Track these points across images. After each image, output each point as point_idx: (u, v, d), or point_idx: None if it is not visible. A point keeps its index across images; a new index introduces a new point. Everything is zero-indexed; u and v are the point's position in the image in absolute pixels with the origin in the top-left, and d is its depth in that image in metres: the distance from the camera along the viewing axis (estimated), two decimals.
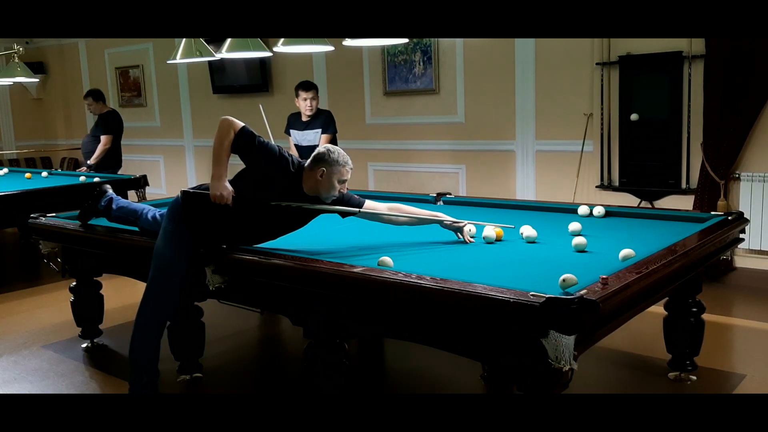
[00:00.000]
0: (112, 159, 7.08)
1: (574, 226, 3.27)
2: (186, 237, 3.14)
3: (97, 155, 6.96)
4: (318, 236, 3.49)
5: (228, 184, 3.04)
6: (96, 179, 6.19)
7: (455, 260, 2.92)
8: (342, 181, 3.06)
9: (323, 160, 3.03)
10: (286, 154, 3.10)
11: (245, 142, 3.03)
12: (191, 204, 3.16)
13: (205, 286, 3.08)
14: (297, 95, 5.31)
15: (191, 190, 3.21)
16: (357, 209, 3.18)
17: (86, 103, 7.28)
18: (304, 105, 5.28)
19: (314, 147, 5.29)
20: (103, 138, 6.98)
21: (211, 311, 3.66)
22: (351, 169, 3.09)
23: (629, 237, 3.16)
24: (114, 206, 3.63)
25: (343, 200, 3.19)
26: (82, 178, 6.26)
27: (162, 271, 3.18)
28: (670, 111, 5.19)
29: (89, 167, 7.02)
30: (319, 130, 5.30)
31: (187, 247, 3.14)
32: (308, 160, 3.09)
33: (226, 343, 4.26)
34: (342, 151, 3.09)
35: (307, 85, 5.30)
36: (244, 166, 3.16)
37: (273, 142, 3.13)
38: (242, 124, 3.05)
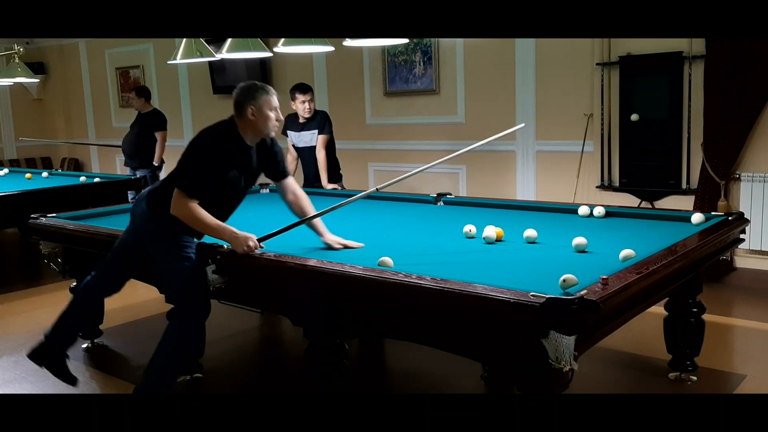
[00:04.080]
0: (150, 156, 7.05)
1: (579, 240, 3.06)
2: (182, 239, 3.08)
3: (159, 154, 6.99)
4: (317, 237, 3.49)
5: (242, 233, 2.95)
6: (96, 179, 6.20)
7: (455, 260, 2.92)
8: (274, 108, 3.01)
9: (245, 98, 2.97)
10: (215, 143, 2.98)
11: (198, 186, 2.93)
12: (159, 206, 3.07)
13: (205, 286, 3.07)
14: (293, 98, 5.29)
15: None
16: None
17: (129, 96, 7.10)
18: (302, 107, 5.27)
19: (311, 148, 5.33)
20: (159, 135, 6.96)
21: (211, 311, 3.66)
22: (275, 92, 3.04)
23: (629, 237, 3.16)
24: (83, 296, 3.48)
25: (274, 151, 3.18)
26: (82, 179, 6.26)
27: (187, 287, 3.07)
28: (670, 111, 5.19)
29: (156, 167, 7.00)
30: (316, 131, 5.30)
31: (191, 251, 3.09)
32: (233, 111, 3.02)
33: (226, 343, 4.26)
34: (256, 81, 3.06)
35: (304, 88, 5.29)
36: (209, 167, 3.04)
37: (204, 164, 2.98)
38: (181, 194, 2.93)
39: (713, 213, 3.56)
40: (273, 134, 3.10)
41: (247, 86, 3.03)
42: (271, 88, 3.05)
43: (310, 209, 3.27)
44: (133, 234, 3.24)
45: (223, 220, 3.08)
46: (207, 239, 3.19)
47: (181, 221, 2.98)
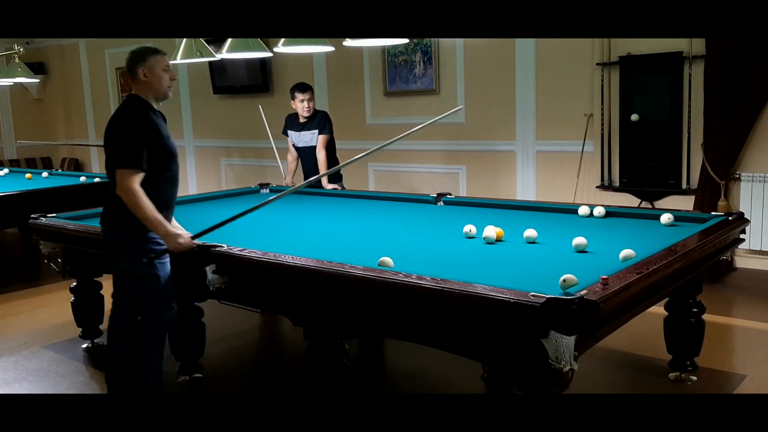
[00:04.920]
0: None
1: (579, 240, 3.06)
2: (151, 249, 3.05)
3: None
4: (317, 237, 3.50)
5: (174, 230, 2.97)
6: (96, 179, 6.20)
7: (455, 260, 2.92)
8: (166, 69, 3.06)
9: (135, 61, 3.02)
10: (130, 115, 3.01)
11: (136, 156, 2.93)
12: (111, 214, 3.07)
13: (205, 286, 3.08)
14: (293, 97, 5.30)
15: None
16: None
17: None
18: (302, 106, 5.27)
19: (311, 148, 5.33)
20: None
21: (211, 311, 3.66)
22: (164, 53, 3.09)
23: (629, 237, 3.16)
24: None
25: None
26: (82, 179, 6.26)
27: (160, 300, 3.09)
28: (671, 111, 5.19)
29: None
30: (316, 131, 5.30)
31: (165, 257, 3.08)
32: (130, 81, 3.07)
33: (226, 343, 4.26)
34: (146, 45, 3.11)
35: (303, 87, 5.29)
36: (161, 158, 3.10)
37: (139, 142, 2.98)
38: (125, 174, 2.92)
39: (713, 213, 3.56)
40: (170, 95, 3.15)
41: (136, 50, 3.08)
42: (161, 50, 3.10)
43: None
44: (116, 260, 3.18)
45: (172, 200, 3.14)
46: (206, 239, 3.20)
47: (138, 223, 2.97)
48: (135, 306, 3.14)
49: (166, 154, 3.06)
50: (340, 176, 5.49)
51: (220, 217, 3.27)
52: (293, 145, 5.47)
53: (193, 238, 3.04)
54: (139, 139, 2.97)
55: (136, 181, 2.92)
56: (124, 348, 3.16)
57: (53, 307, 5.15)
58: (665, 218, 3.44)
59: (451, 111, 3.46)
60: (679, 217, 3.56)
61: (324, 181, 5.24)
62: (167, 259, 3.09)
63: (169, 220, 3.15)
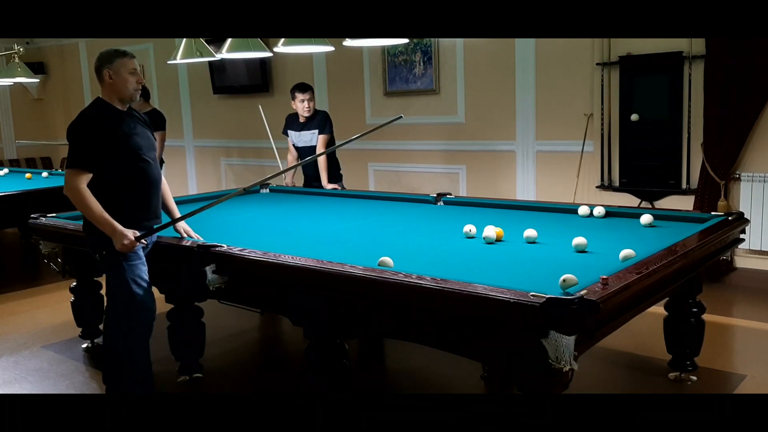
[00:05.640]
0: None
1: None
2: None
3: (158, 154, 6.94)
4: (317, 237, 3.50)
5: (121, 230, 2.96)
6: None
7: (455, 260, 2.92)
8: (132, 72, 3.05)
9: (102, 63, 3.04)
10: (83, 117, 3.04)
11: (81, 157, 2.95)
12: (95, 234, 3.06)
13: (205, 286, 3.08)
14: (293, 97, 5.30)
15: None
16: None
17: None
18: (302, 106, 5.27)
19: (311, 147, 5.33)
20: (158, 135, 6.86)
21: (211, 311, 3.66)
22: (133, 56, 3.09)
23: (629, 237, 3.16)
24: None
25: (153, 132, 3.26)
26: None
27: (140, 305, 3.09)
28: (670, 111, 5.19)
29: None
30: (316, 131, 5.30)
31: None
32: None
33: (226, 343, 4.26)
34: (116, 47, 3.11)
35: (304, 87, 5.30)
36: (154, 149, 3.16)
37: (92, 143, 2.99)
38: (71, 173, 2.96)
39: (713, 213, 3.56)
40: (137, 98, 3.14)
41: (104, 52, 3.09)
42: (129, 53, 3.09)
43: (169, 198, 3.43)
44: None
45: (149, 199, 3.14)
46: (207, 239, 3.20)
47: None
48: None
49: (129, 152, 3.04)
50: (341, 176, 5.49)
51: (217, 217, 3.27)
52: (293, 145, 5.47)
53: (137, 239, 3.02)
54: (86, 140, 2.98)
55: (82, 181, 2.95)
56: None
57: (53, 307, 5.15)
58: (645, 219, 3.45)
59: (392, 119, 3.48)
60: (679, 217, 3.57)
61: (324, 181, 5.25)
62: (137, 261, 3.07)
63: (149, 219, 3.15)
